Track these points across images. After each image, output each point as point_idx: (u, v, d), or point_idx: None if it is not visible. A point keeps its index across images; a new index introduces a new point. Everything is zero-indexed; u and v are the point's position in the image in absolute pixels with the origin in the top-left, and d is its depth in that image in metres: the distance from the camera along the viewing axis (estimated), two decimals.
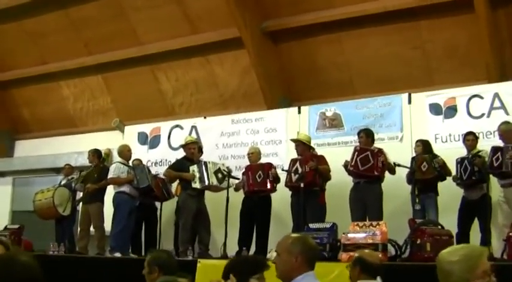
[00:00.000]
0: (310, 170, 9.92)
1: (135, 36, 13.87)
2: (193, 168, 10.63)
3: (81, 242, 11.45)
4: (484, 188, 9.25)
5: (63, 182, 12.66)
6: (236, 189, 10.70)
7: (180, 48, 13.37)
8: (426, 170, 9.65)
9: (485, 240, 8.69)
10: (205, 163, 10.72)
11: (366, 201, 9.75)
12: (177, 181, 11.25)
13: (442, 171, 9.69)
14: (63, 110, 15.71)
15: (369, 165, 9.70)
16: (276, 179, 10.59)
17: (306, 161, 10.06)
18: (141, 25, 13.71)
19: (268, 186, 10.53)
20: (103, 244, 11.35)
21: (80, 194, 12.14)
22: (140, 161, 12.34)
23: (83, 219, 11.66)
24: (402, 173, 9.93)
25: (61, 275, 8.83)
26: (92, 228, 11.66)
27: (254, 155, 11.08)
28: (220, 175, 10.72)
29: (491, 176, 9.10)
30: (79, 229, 11.69)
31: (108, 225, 11.22)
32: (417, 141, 10.19)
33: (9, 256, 2.49)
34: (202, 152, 11.42)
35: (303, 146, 10.47)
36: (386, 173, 9.94)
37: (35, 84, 15.61)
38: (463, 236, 9.10)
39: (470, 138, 9.77)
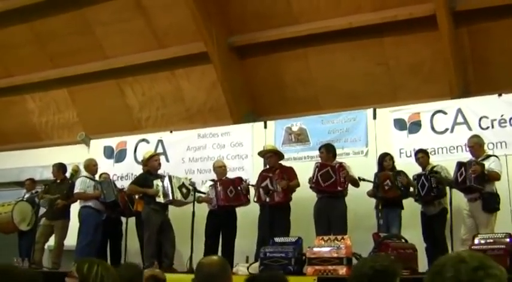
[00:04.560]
0: (282, 189, 10.01)
1: (101, 50, 13.82)
2: (158, 182, 10.61)
3: (37, 256, 11.36)
4: (443, 203, 9.44)
5: (26, 196, 12.55)
6: (199, 201, 10.66)
7: (147, 63, 13.34)
8: (389, 188, 9.81)
9: (443, 253, 8.82)
10: (170, 177, 10.70)
11: (330, 216, 9.84)
12: (137, 196, 11.22)
13: (406, 191, 9.84)
14: (28, 124, 15.58)
15: (331, 181, 9.81)
16: (248, 191, 10.65)
17: (277, 178, 10.12)
18: (107, 39, 13.66)
19: (243, 199, 10.64)
20: (60, 260, 11.32)
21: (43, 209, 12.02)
22: (108, 175, 12.31)
23: (42, 233, 11.54)
24: (367, 187, 10.04)
25: None
26: (48, 243, 11.67)
27: (223, 168, 11.13)
28: (184, 190, 10.69)
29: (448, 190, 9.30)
30: (36, 242, 11.55)
31: (73, 239, 11.15)
32: (386, 154, 10.35)
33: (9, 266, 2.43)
34: None
35: (276, 157, 10.57)
36: (351, 187, 10.05)
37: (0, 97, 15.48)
38: (432, 250, 9.29)
39: (420, 156, 10.06)
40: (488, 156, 9.50)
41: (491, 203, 9.08)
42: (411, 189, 9.90)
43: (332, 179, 9.82)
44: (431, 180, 9.46)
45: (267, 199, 10.00)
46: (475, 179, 9.00)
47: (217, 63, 12.46)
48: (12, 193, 14.39)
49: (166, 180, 10.61)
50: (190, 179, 11.10)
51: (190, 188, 10.64)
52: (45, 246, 11.87)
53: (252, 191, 10.62)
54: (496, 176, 9.20)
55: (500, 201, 9.15)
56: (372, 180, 9.96)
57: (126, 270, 5.10)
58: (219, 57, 12.42)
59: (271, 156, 10.63)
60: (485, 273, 2.02)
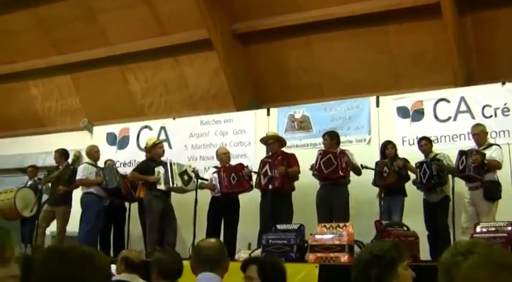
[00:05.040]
0: (280, 175, 10.03)
1: (105, 36, 13.80)
2: (159, 169, 10.61)
3: (39, 241, 11.38)
4: (445, 190, 9.46)
5: (29, 183, 12.57)
6: (201, 188, 10.65)
7: (150, 49, 13.33)
8: (387, 175, 9.87)
9: (445, 241, 8.86)
10: (170, 164, 10.71)
11: (332, 203, 9.85)
12: (140, 182, 11.23)
13: (404, 172, 9.88)
14: (31, 110, 15.57)
15: (333, 167, 9.83)
16: (250, 177, 10.66)
17: (275, 164, 10.15)
18: (111, 26, 13.63)
19: (245, 185, 10.62)
20: None
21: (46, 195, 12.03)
22: (113, 161, 12.34)
23: (44, 218, 11.55)
24: (369, 174, 10.06)
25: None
26: (50, 229, 11.70)
27: (227, 155, 11.13)
28: (186, 177, 10.71)
29: (450, 178, 9.34)
30: (38, 227, 11.55)
31: (75, 226, 11.17)
32: (389, 142, 10.36)
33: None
34: None
35: (278, 143, 10.57)
36: (353, 175, 10.07)
37: (3, 83, 15.43)
38: (434, 238, 9.32)
39: (423, 143, 10.09)
40: (490, 144, 9.53)
41: (492, 192, 9.11)
42: (414, 175, 9.92)
43: (334, 165, 9.84)
44: (432, 167, 9.48)
45: (270, 186, 10.02)
46: (475, 168, 9.04)
47: (221, 50, 12.46)
48: (15, 179, 14.43)
49: (167, 167, 10.63)
50: (194, 168, 11.08)
51: (193, 175, 10.65)
52: (48, 232, 11.90)
53: (254, 177, 10.63)
54: (496, 165, 9.23)
55: (501, 190, 9.17)
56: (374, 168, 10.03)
57: (170, 257, 5.17)
58: (222, 44, 12.41)
59: (273, 142, 10.63)
60: (464, 258, 2.06)
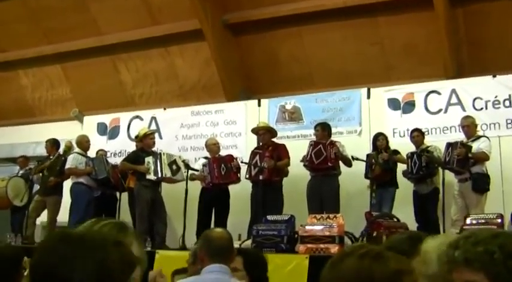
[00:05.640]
0: (268, 168, 10.04)
1: (96, 26, 13.73)
2: (149, 159, 10.59)
3: (29, 232, 11.35)
4: (435, 182, 9.50)
5: (20, 173, 12.53)
6: (192, 179, 10.66)
7: (141, 39, 13.28)
8: (375, 167, 9.90)
9: (434, 233, 8.87)
10: (160, 154, 10.70)
11: (323, 194, 9.89)
12: (130, 172, 11.20)
13: (390, 164, 9.91)
14: (21, 100, 15.49)
15: (322, 158, 9.87)
16: (239, 169, 10.69)
17: (265, 156, 10.16)
18: (102, 15, 13.57)
19: (233, 177, 10.66)
20: None
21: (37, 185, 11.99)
22: (104, 151, 12.32)
23: (34, 208, 11.51)
24: (359, 166, 10.08)
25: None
26: (40, 219, 11.71)
27: (217, 145, 11.13)
28: (175, 167, 10.69)
29: (441, 170, 9.38)
30: (28, 217, 11.51)
31: (66, 216, 11.14)
32: (380, 134, 10.37)
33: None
34: None
35: (269, 134, 10.59)
36: (344, 167, 10.08)
37: None
38: (423, 229, 9.33)
39: (415, 135, 10.13)
40: (479, 136, 9.57)
41: (481, 184, 9.16)
42: (404, 166, 9.96)
43: (323, 155, 9.87)
44: (422, 159, 9.53)
45: (260, 177, 10.03)
46: (458, 161, 9.10)
47: (211, 40, 12.42)
48: (5, 169, 14.40)
49: (157, 157, 10.62)
50: (184, 160, 11.06)
51: (182, 165, 10.64)
52: (38, 223, 11.87)
53: (243, 169, 10.63)
54: (483, 157, 9.27)
55: (490, 182, 9.21)
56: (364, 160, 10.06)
57: None
58: (213, 34, 12.38)
59: (264, 133, 10.65)
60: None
